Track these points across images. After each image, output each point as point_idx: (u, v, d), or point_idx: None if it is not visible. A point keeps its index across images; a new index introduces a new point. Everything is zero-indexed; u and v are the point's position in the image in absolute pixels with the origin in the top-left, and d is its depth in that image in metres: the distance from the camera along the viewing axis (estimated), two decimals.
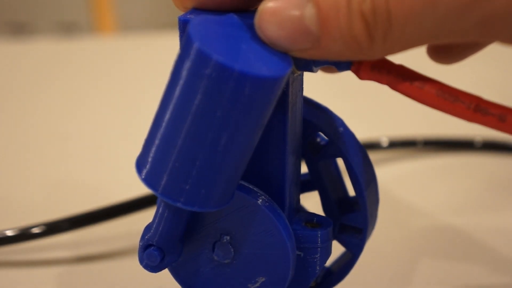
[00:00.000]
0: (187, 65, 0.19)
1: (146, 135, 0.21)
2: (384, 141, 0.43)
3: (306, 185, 0.26)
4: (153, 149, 0.20)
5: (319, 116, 0.24)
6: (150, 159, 0.20)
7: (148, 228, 0.23)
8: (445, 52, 0.26)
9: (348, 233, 0.26)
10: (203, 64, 0.19)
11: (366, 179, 0.25)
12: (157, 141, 0.20)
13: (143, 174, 0.21)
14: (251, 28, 0.20)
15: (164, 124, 0.20)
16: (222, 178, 0.20)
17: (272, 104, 0.20)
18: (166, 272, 0.25)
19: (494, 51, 0.61)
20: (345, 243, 0.26)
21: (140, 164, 0.21)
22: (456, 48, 0.26)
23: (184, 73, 0.19)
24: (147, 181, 0.21)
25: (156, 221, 0.23)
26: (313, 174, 0.25)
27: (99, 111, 0.53)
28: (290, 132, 0.23)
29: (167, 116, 0.20)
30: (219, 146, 0.19)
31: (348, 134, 0.25)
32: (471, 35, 0.19)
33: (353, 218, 0.25)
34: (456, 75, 0.56)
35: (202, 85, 0.19)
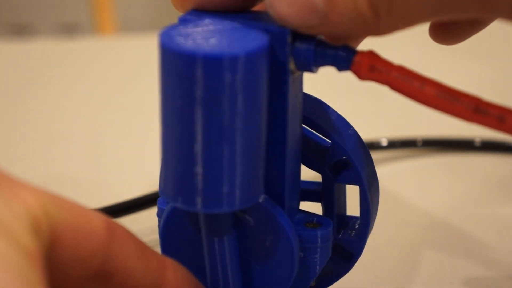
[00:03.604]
0: (161, 68, 0.20)
1: (169, 161, 0.21)
2: (384, 141, 0.43)
3: (314, 195, 0.26)
4: (194, 171, 0.20)
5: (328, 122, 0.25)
6: (186, 183, 0.20)
7: None
8: (447, 32, 0.26)
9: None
10: (171, 59, 0.19)
11: (375, 205, 0.25)
12: (175, 159, 0.20)
13: (200, 203, 0.20)
14: (234, 22, 0.21)
15: (172, 140, 0.20)
16: (250, 170, 0.20)
17: (252, 87, 0.20)
18: None
19: (494, 51, 0.61)
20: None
21: (177, 193, 0.21)
22: (458, 27, 0.26)
23: (162, 78, 0.20)
24: (207, 206, 0.20)
25: None
26: (326, 191, 0.25)
27: (100, 112, 0.53)
28: (290, 132, 0.23)
29: (167, 130, 0.20)
30: (228, 139, 0.20)
31: (355, 138, 0.25)
32: (472, 10, 0.20)
33: (349, 241, 0.26)
34: (456, 75, 0.56)
35: (175, 79, 0.19)
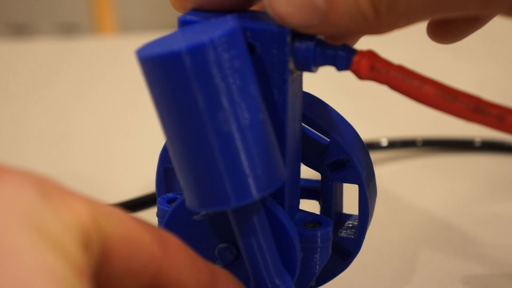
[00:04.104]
0: (151, 84, 0.20)
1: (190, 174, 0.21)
2: (384, 141, 0.43)
3: (312, 193, 0.26)
4: (218, 173, 0.20)
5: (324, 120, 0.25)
6: (215, 185, 0.20)
7: None
8: (445, 30, 0.26)
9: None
10: (157, 68, 0.19)
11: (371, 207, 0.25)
12: (196, 167, 0.20)
13: (233, 199, 0.20)
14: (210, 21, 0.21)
15: (188, 151, 0.20)
16: (265, 150, 0.21)
17: (240, 67, 0.20)
18: None
19: (494, 51, 0.61)
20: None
21: (209, 199, 0.21)
22: (457, 25, 0.26)
23: (154, 94, 0.20)
24: (240, 198, 0.20)
25: None
26: (324, 189, 0.25)
27: (100, 112, 0.53)
28: (290, 132, 0.23)
29: (179, 146, 0.20)
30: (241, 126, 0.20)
31: (355, 137, 0.25)
32: (473, 7, 0.20)
33: (347, 239, 0.26)
34: (456, 75, 0.56)
35: (168, 85, 0.19)
